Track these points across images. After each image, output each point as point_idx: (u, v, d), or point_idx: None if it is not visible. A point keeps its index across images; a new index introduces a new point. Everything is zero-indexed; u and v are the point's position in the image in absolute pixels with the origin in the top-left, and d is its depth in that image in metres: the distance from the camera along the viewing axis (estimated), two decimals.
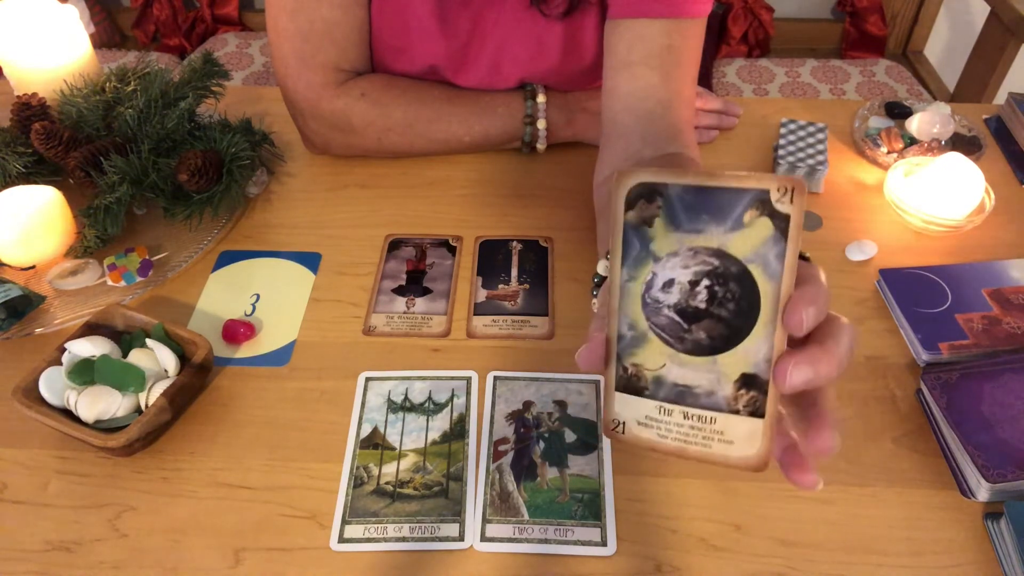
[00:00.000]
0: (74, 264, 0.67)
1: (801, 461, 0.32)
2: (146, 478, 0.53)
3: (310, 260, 0.70)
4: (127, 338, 0.58)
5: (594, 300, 0.47)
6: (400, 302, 0.65)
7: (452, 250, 0.70)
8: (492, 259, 0.69)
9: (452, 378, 0.59)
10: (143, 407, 0.54)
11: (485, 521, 0.50)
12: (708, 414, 0.32)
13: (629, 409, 0.34)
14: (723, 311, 0.31)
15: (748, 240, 0.30)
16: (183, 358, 0.57)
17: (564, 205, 0.74)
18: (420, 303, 0.65)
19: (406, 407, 0.57)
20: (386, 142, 0.76)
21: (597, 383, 0.58)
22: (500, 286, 0.67)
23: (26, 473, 0.54)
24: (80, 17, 0.82)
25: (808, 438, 0.32)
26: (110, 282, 0.65)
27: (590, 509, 0.51)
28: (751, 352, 0.30)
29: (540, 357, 0.61)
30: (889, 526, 0.50)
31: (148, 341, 0.56)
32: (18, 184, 0.68)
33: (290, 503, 0.52)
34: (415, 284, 0.67)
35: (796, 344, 0.31)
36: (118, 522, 0.51)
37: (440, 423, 0.56)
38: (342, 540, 0.50)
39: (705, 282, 0.31)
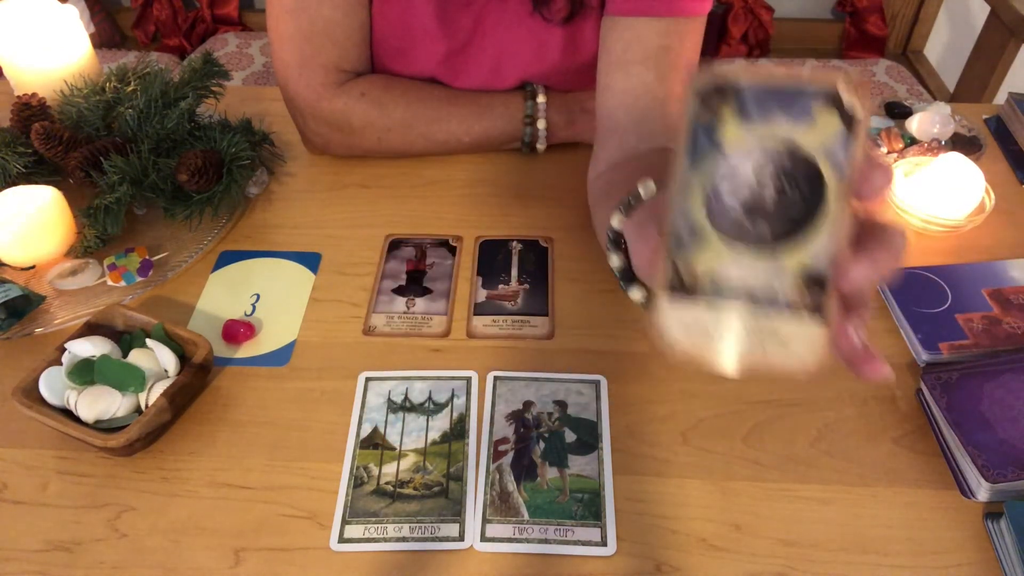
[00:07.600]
0: (74, 264, 0.67)
1: (870, 356, 0.32)
2: (146, 478, 0.53)
3: (310, 260, 0.70)
4: (127, 338, 0.58)
5: (610, 255, 0.47)
6: (400, 302, 0.65)
7: (452, 250, 0.70)
8: (492, 259, 0.69)
9: (452, 378, 0.59)
10: (143, 407, 0.54)
11: (485, 521, 0.50)
12: (765, 315, 0.31)
13: (680, 314, 0.32)
14: (790, 205, 0.31)
15: (818, 134, 0.30)
16: (183, 358, 0.57)
17: (564, 205, 0.74)
18: (420, 303, 0.65)
19: (406, 407, 0.57)
20: (386, 142, 0.76)
21: (597, 383, 0.58)
22: (500, 286, 0.67)
23: (26, 473, 0.54)
24: (80, 17, 0.82)
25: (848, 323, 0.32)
26: (110, 282, 0.65)
27: (590, 509, 0.51)
28: (814, 247, 0.30)
29: (540, 357, 0.61)
30: (889, 526, 0.50)
31: (148, 341, 0.56)
32: (18, 184, 0.68)
33: (290, 503, 0.52)
34: (415, 284, 0.67)
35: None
36: (118, 522, 0.51)
37: (440, 423, 0.56)
38: (342, 540, 0.50)
39: (774, 175, 0.31)
